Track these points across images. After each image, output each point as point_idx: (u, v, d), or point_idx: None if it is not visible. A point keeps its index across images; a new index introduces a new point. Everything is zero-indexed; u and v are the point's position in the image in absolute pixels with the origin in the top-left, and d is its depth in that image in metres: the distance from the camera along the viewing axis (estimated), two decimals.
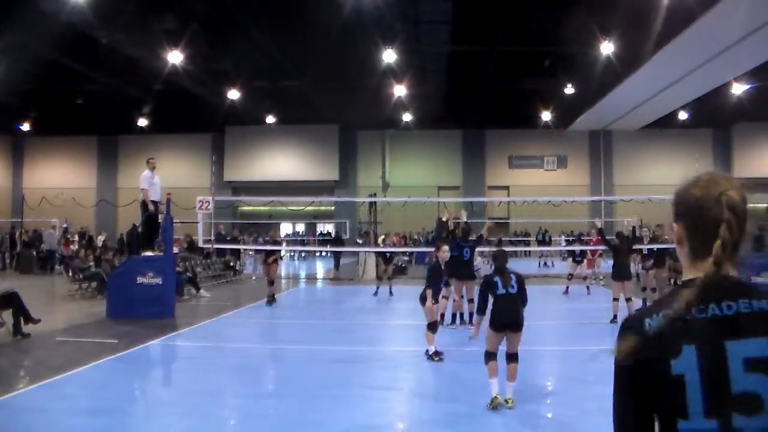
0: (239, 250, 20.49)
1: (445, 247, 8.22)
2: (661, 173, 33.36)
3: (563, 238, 28.73)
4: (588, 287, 15.26)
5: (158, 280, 11.22)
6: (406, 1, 18.97)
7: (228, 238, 21.90)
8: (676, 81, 22.49)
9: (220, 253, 19.12)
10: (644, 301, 12.22)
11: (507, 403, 5.65)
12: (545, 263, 26.81)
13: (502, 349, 5.83)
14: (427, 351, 7.69)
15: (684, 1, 15.83)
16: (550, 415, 5.76)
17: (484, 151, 36.45)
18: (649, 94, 24.89)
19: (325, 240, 33.45)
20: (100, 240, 24.60)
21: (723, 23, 15.96)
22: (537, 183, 34.64)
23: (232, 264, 19.69)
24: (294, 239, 33.45)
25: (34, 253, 22.64)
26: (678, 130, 33.67)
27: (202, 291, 14.82)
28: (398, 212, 23.91)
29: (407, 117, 31.64)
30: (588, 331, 10.33)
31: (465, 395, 6.19)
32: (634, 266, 13.42)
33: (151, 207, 12.24)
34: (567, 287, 15.23)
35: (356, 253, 22.99)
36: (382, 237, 20.53)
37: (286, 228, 35.14)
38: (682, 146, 34.21)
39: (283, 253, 22.89)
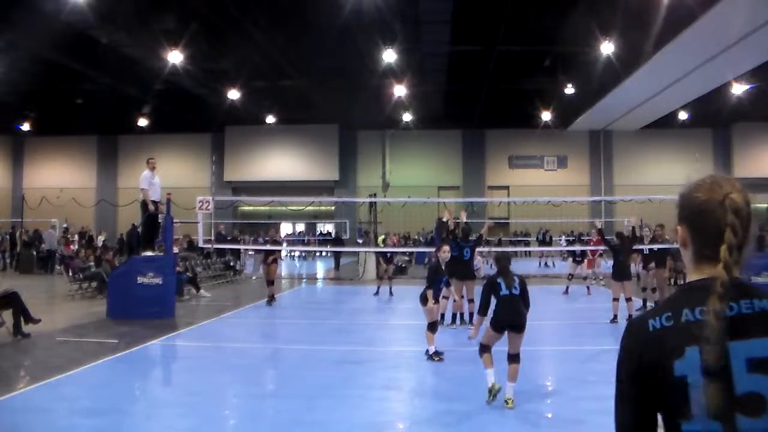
0: (239, 250, 20.50)
1: (446, 248, 8.24)
2: (661, 173, 33.37)
3: (563, 238, 28.73)
4: (588, 287, 15.26)
5: (158, 280, 11.22)
6: (406, 1, 18.97)
7: (228, 238, 21.90)
8: (676, 81, 22.49)
9: (220, 253, 19.12)
10: (644, 301, 12.23)
11: (507, 403, 5.65)
12: (545, 263, 26.81)
13: (504, 349, 5.84)
14: (428, 351, 7.69)
15: (684, 0, 15.83)
16: (550, 415, 5.76)
17: (484, 151, 36.46)
18: (649, 94, 24.90)
19: (325, 240, 33.46)
20: (100, 240, 24.61)
21: (723, 23, 15.96)
22: (537, 183, 34.67)
23: (232, 264, 19.69)
24: (294, 239, 33.44)
25: (34, 253, 22.64)
26: (678, 130, 33.69)
27: (202, 291, 14.82)
28: (398, 212, 23.91)
29: (407, 117, 31.65)
30: (588, 331, 10.33)
31: (465, 395, 6.18)
32: (634, 266, 13.41)
33: (151, 207, 12.23)
34: (567, 287, 15.24)
35: (356, 253, 23.00)
36: (382, 237, 20.53)
37: (286, 228, 35.14)
38: (682, 146, 34.22)
39: (284, 253, 22.91)
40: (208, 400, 6.17)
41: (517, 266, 6.20)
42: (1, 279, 14.98)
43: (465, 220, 11.45)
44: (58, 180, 36.14)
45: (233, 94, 26.85)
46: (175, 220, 12.33)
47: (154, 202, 12.33)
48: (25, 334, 9.05)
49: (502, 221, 32.07)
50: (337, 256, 25.52)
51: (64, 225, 28.32)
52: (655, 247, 12.09)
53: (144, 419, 5.63)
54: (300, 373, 7.32)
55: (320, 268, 27.05)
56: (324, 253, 31.76)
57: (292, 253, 31.68)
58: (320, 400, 6.06)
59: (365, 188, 32.46)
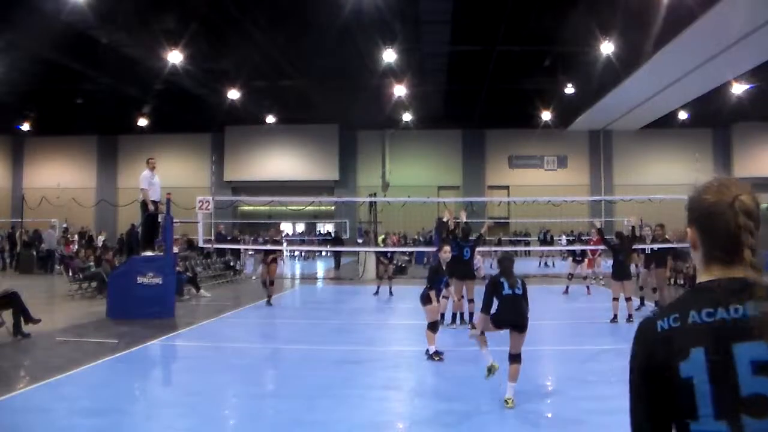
0: (239, 249, 20.50)
1: (447, 248, 8.29)
2: (661, 173, 33.41)
3: (564, 237, 28.73)
4: (588, 287, 15.27)
5: (158, 280, 11.22)
6: (406, 1, 18.96)
7: (228, 238, 21.90)
8: (676, 81, 22.50)
9: (220, 253, 19.12)
10: (642, 299, 12.31)
11: (507, 403, 5.65)
12: (545, 263, 26.82)
13: (504, 350, 5.84)
14: (428, 351, 7.70)
15: (684, 1, 15.83)
16: (550, 415, 5.76)
17: (484, 151, 36.46)
18: (649, 94, 24.90)
19: (325, 240, 33.46)
20: (100, 240, 24.60)
21: (723, 23, 15.96)
22: (537, 183, 34.68)
23: (232, 264, 19.69)
24: (293, 239, 33.43)
25: (34, 253, 22.63)
26: (678, 130, 33.69)
27: (202, 291, 14.82)
28: (398, 212, 23.91)
29: (407, 117, 31.66)
30: (588, 331, 10.33)
31: (465, 395, 6.19)
32: (634, 266, 13.43)
33: (151, 207, 12.23)
34: (567, 287, 15.25)
35: (356, 253, 22.99)
36: (382, 237, 20.52)
37: (286, 228, 35.14)
38: (682, 146, 34.24)
39: (285, 253, 22.89)
40: (207, 400, 6.17)
41: (517, 266, 6.19)
42: (1, 279, 14.99)
43: (465, 219, 11.45)
44: (58, 180, 36.14)
45: (233, 94, 26.85)
46: (174, 220, 12.32)
47: (154, 202, 12.33)
48: (25, 334, 9.04)
49: (502, 221, 32.07)
50: (337, 255, 25.52)
51: (64, 225, 28.32)
52: (655, 246, 12.09)
53: (144, 419, 5.63)
54: (300, 373, 7.31)
55: (320, 268, 27.05)
56: (324, 253, 31.76)
57: (293, 253, 31.66)
58: (320, 400, 6.05)
59: (365, 188, 32.46)
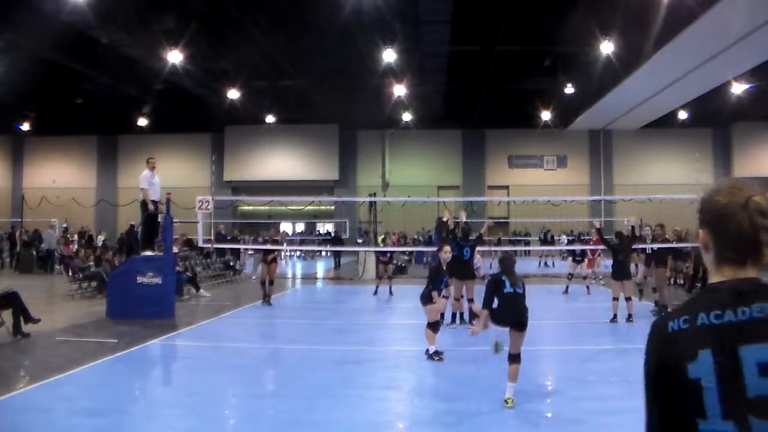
0: (239, 249, 20.49)
1: (447, 248, 8.31)
2: (661, 173, 33.42)
3: (565, 237, 28.73)
4: (588, 287, 15.27)
5: (158, 280, 11.22)
6: (406, 1, 18.97)
7: (228, 238, 21.89)
8: (675, 81, 22.51)
9: (220, 252, 19.12)
10: (640, 291, 12.39)
11: (507, 403, 5.65)
12: (545, 263, 26.82)
13: (504, 350, 5.84)
14: (428, 350, 7.70)
15: (684, 0, 15.83)
16: (550, 415, 5.76)
17: (484, 151, 36.47)
18: (649, 93, 24.91)
19: (325, 239, 33.47)
20: (99, 240, 24.60)
21: (723, 23, 15.96)
22: (537, 182, 34.69)
23: (231, 264, 19.69)
24: (293, 239, 33.42)
25: (34, 252, 22.64)
26: (678, 130, 33.69)
27: (201, 291, 14.82)
28: (398, 212, 23.92)
29: (407, 117, 31.66)
30: (588, 331, 10.33)
31: (465, 395, 6.19)
32: (633, 266, 13.45)
33: (150, 207, 12.23)
34: (567, 287, 15.25)
35: (356, 253, 22.98)
36: (382, 236, 20.51)
37: (285, 227, 35.14)
38: (682, 146, 34.24)
39: (286, 253, 22.88)
40: (207, 400, 6.16)
41: (517, 266, 6.18)
42: (1, 279, 14.99)
43: (465, 219, 11.44)
44: (58, 179, 36.17)
45: (233, 94, 26.85)
46: (174, 220, 12.32)
47: (154, 202, 12.32)
48: (24, 334, 9.04)
49: (501, 221, 32.07)
50: (336, 255, 25.51)
51: (64, 225, 28.32)
52: (655, 246, 12.10)
53: (144, 419, 5.63)
54: (300, 373, 7.31)
55: (320, 268, 27.05)
56: (324, 253, 31.75)
57: (292, 253, 31.66)
58: (320, 400, 6.05)
59: (365, 188, 32.47)
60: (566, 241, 27.13)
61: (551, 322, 11.03)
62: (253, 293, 15.30)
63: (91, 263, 15.48)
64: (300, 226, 37.41)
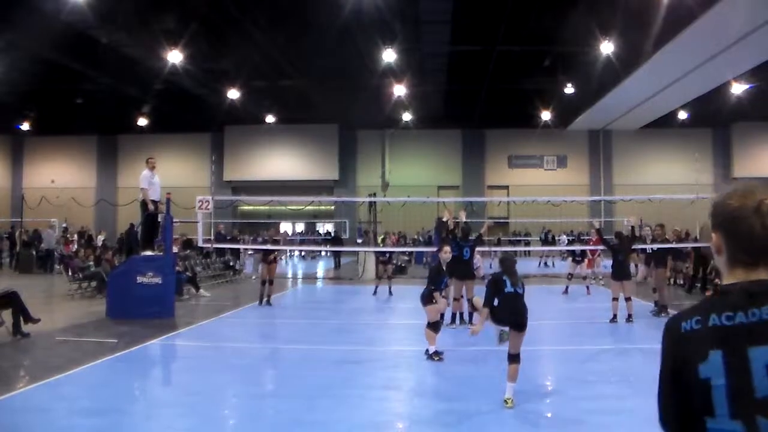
0: (239, 249, 20.49)
1: (447, 248, 8.33)
2: (661, 173, 33.42)
3: (565, 237, 28.73)
4: (588, 287, 15.27)
5: (158, 280, 11.22)
6: (406, 1, 18.96)
7: (228, 238, 21.89)
8: (675, 81, 22.51)
9: (220, 252, 19.11)
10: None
11: (507, 403, 5.66)
12: (545, 263, 26.82)
13: (504, 349, 5.84)
14: (428, 350, 7.70)
15: (684, 1, 15.83)
16: (549, 415, 5.76)
17: (483, 151, 36.47)
18: (649, 93, 24.91)
19: (324, 239, 33.46)
20: (99, 239, 24.59)
21: (723, 23, 15.96)
22: (537, 183, 34.68)
23: (231, 264, 19.69)
24: (293, 239, 33.43)
25: (34, 252, 22.64)
26: (677, 130, 33.69)
27: (201, 290, 14.82)
28: (398, 212, 23.92)
29: (407, 117, 31.66)
30: (588, 331, 10.33)
31: (465, 395, 6.19)
32: (633, 266, 13.47)
33: (150, 206, 12.22)
34: (567, 287, 15.25)
35: (356, 253, 22.98)
36: (382, 237, 20.51)
37: (285, 227, 35.15)
38: (682, 146, 34.22)
39: (286, 253, 22.89)
40: (207, 400, 6.16)
41: (517, 266, 6.18)
42: (1, 278, 14.98)
43: (464, 219, 11.45)
44: (58, 179, 36.16)
45: (233, 94, 26.84)
46: (174, 220, 12.32)
47: (154, 202, 12.32)
48: (24, 334, 9.04)
49: (501, 221, 32.07)
50: (336, 255, 25.50)
51: (64, 225, 28.32)
52: (655, 246, 12.11)
53: (143, 419, 5.63)
54: (300, 373, 7.31)
55: (320, 268, 27.05)
56: (324, 253, 31.74)
57: (292, 253, 31.66)
58: (320, 400, 6.05)
59: (365, 188, 32.47)
60: (566, 242, 27.14)
61: (551, 322, 11.03)
62: (253, 293, 15.29)
63: (91, 263, 15.48)
64: (300, 226, 37.39)
